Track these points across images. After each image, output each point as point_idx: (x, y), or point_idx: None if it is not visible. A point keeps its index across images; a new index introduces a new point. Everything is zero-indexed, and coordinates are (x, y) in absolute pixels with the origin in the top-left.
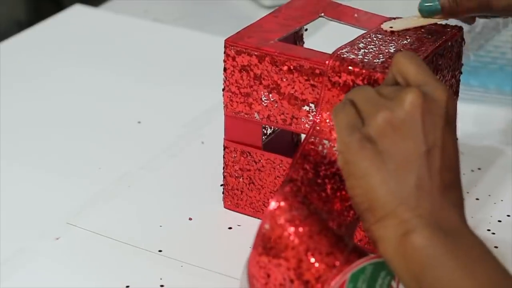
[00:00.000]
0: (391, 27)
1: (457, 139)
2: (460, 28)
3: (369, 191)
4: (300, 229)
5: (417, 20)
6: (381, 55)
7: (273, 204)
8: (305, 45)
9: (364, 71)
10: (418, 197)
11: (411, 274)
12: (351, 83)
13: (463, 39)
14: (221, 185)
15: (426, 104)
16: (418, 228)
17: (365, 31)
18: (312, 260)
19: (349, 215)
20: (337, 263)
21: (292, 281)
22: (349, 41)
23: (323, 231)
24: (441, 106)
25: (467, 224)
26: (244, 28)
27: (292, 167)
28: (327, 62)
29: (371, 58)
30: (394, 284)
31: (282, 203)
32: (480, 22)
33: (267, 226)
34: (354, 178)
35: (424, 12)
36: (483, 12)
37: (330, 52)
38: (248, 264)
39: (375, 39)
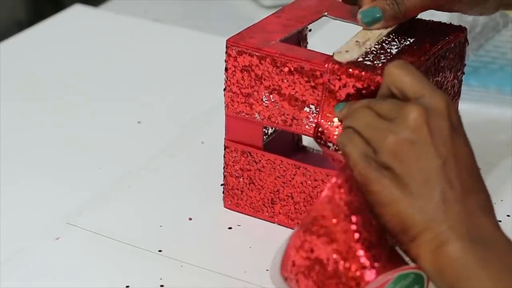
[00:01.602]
0: (340, 60)
1: (468, 140)
2: (464, 29)
3: (398, 215)
4: (353, 218)
5: (363, 34)
6: (382, 56)
7: (330, 185)
8: (309, 44)
9: (363, 73)
10: (445, 210)
11: (448, 287)
12: (351, 86)
13: (466, 40)
14: (221, 185)
15: (429, 118)
16: (451, 240)
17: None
18: (360, 250)
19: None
20: (382, 258)
21: (336, 262)
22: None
23: (373, 224)
24: (443, 115)
25: (498, 226)
26: (246, 28)
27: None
28: (326, 65)
29: (372, 59)
30: None
31: (339, 189)
32: (480, 22)
33: (321, 205)
34: (381, 206)
35: (366, 23)
36: (432, 7)
37: (330, 52)
38: (292, 236)
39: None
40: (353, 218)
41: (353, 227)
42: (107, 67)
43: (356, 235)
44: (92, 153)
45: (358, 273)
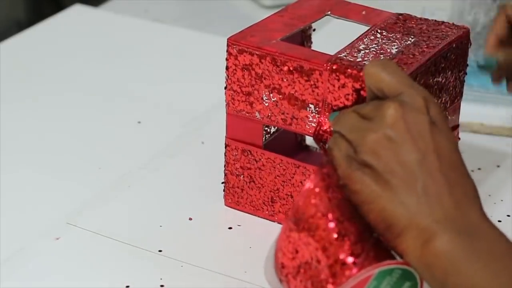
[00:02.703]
0: None
1: (450, 134)
2: (466, 29)
3: (382, 212)
4: (332, 214)
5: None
6: (382, 55)
7: (309, 184)
8: (313, 44)
9: (362, 74)
10: (429, 204)
11: (437, 282)
12: (350, 86)
13: (469, 40)
14: (222, 183)
15: (405, 113)
16: (437, 233)
17: (369, 28)
18: (339, 247)
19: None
20: (363, 253)
21: (318, 261)
22: (353, 39)
23: (353, 219)
24: (421, 110)
25: (485, 217)
26: (248, 27)
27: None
28: (325, 65)
29: (371, 59)
30: None
31: (318, 185)
32: (480, 22)
33: (301, 203)
34: (365, 204)
35: (484, 68)
36: None
37: (335, 52)
38: (278, 237)
39: (379, 36)
40: (330, 215)
41: (331, 224)
42: (107, 67)
43: (335, 233)
44: (92, 153)
45: (338, 269)
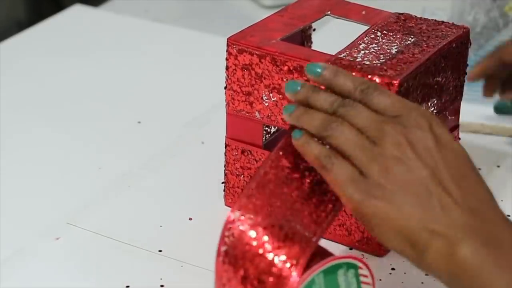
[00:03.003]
0: None
1: (458, 145)
2: (466, 29)
3: (400, 232)
4: (257, 234)
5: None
6: (381, 55)
7: (231, 216)
8: (313, 44)
9: (362, 73)
10: (447, 215)
11: None
12: None
13: (469, 40)
14: (222, 183)
15: (409, 134)
16: (461, 243)
17: (369, 28)
18: (271, 262)
19: (325, 209)
20: (293, 261)
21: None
22: (353, 39)
23: (278, 229)
24: (423, 129)
25: (505, 218)
26: (248, 26)
27: (263, 167)
28: None
29: (371, 59)
30: (364, 271)
31: (239, 216)
32: (480, 22)
33: (227, 239)
34: (381, 226)
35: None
36: None
37: (335, 52)
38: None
39: (379, 36)
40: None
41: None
42: (107, 67)
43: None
44: (92, 153)
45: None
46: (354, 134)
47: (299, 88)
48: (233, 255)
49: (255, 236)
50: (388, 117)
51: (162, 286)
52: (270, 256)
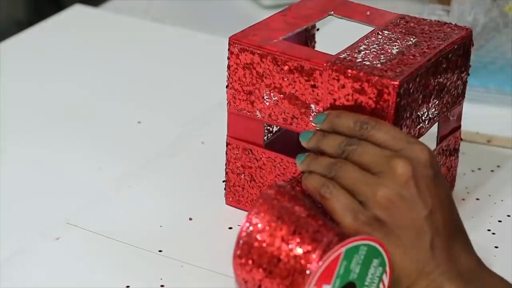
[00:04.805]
0: None
1: (446, 183)
2: (468, 30)
3: (393, 266)
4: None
5: None
6: (382, 56)
7: (247, 224)
8: (318, 43)
9: (362, 74)
10: (435, 257)
11: None
12: (349, 87)
13: (471, 41)
14: (223, 181)
15: (414, 170)
16: (445, 284)
17: (372, 28)
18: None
19: None
20: (325, 239)
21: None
22: (356, 39)
23: (306, 221)
24: (426, 165)
25: (481, 262)
26: (251, 26)
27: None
28: (324, 64)
29: (371, 59)
30: (385, 278)
31: (257, 221)
32: (480, 22)
33: (242, 241)
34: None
35: None
36: None
37: (337, 52)
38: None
39: (380, 37)
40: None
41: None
42: (107, 67)
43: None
44: (92, 153)
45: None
46: (357, 171)
47: (310, 136)
48: (249, 251)
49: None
50: (392, 152)
51: (162, 286)
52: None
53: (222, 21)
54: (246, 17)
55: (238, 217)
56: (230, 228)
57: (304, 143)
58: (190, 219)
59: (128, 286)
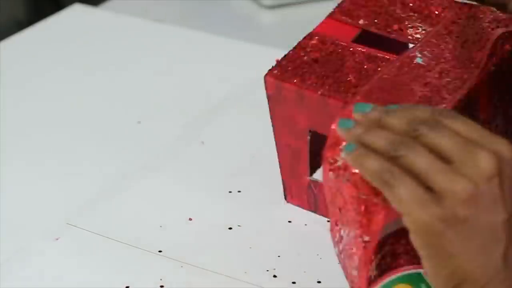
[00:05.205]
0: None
1: None
2: None
3: (458, 270)
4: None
5: None
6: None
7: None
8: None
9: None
10: (505, 268)
11: None
12: None
13: None
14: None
15: (502, 168)
16: None
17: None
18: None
19: None
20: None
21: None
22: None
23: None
24: (510, 164)
25: None
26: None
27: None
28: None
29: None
30: None
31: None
32: None
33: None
34: (439, 259)
35: None
36: None
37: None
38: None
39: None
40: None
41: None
42: (106, 67)
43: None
44: (92, 153)
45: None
46: (431, 155)
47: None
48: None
49: None
50: (474, 142)
51: (162, 286)
52: None
53: (222, 21)
54: (246, 17)
55: (237, 218)
56: (230, 228)
57: (357, 115)
58: (190, 219)
59: (128, 287)
